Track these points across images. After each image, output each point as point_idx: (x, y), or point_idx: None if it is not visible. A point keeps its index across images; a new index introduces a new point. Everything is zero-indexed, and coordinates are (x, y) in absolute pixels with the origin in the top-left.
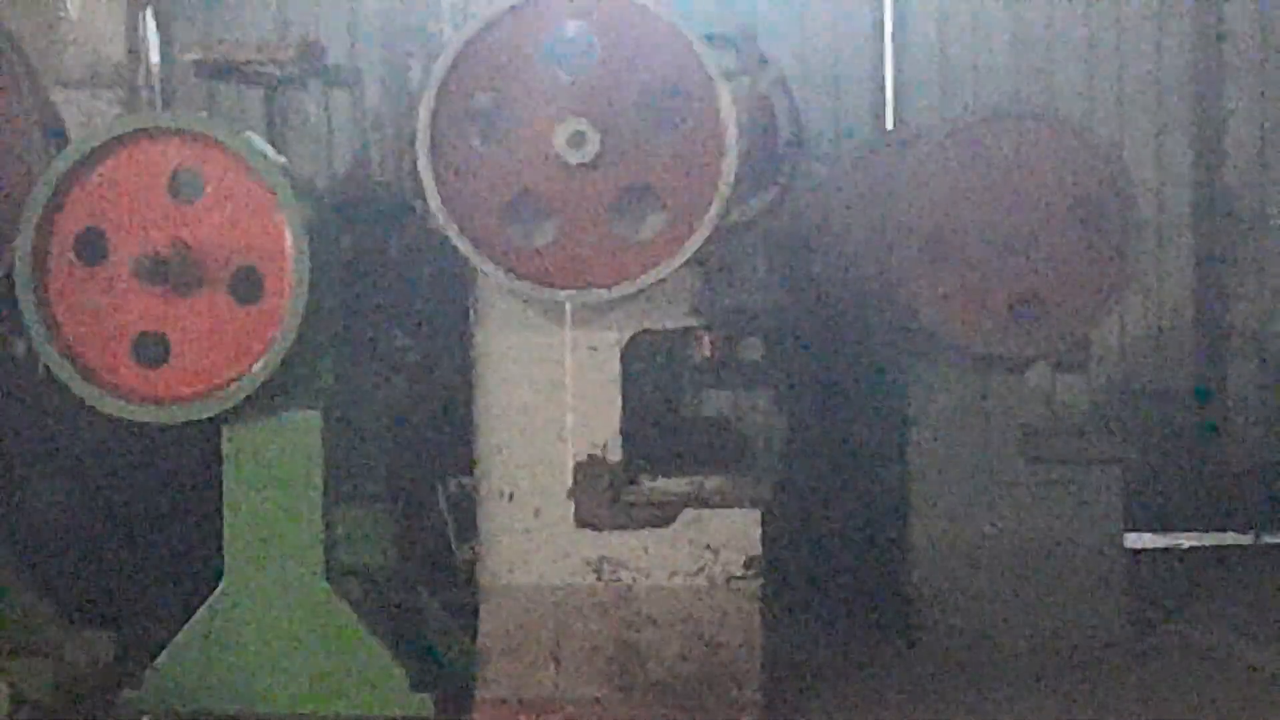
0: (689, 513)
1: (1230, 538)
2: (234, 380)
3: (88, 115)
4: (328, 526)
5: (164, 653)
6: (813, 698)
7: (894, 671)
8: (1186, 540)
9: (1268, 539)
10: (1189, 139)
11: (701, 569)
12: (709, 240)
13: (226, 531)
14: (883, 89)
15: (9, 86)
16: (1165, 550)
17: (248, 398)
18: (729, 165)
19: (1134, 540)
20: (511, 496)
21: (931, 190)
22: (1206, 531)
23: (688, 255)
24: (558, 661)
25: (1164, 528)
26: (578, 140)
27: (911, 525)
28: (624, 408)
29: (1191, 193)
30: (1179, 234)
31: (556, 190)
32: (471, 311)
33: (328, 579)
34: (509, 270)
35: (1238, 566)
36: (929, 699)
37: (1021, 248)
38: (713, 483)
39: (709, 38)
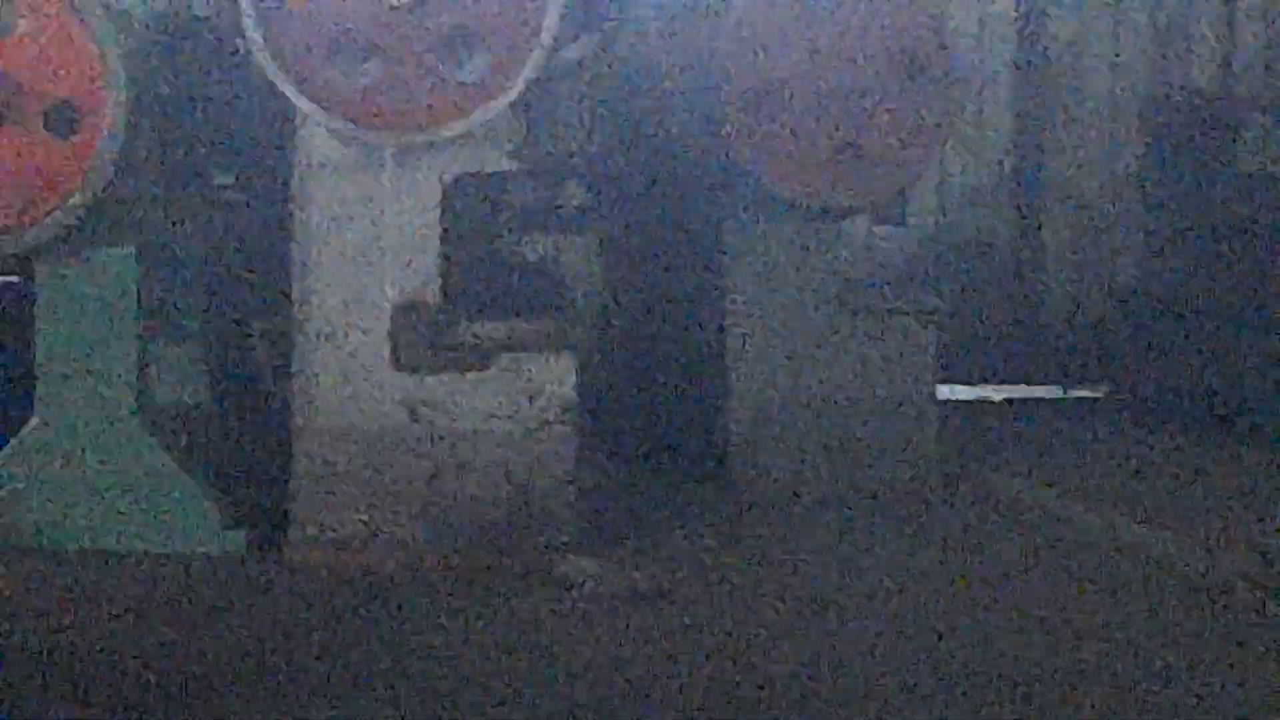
0: (506, 357)
1: (1040, 391)
2: (48, 214)
3: None
4: (141, 363)
5: None
6: (626, 541)
7: (708, 517)
8: (997, 393)
9: (1075, 392)
10: None
11: (516, 413)
12: (532, 84)
13: (38, 366)
14: None
15: None
16: (976, 402)
17: (62, 232)
18: (553, 7)
19: (945, 392)
20: (328, 337)
21: (756, 39)
22: (1017, 384)
23: (510, 98)
24: (371, 502)
25: (975, 380)
26: None
27: (728, 373)
28: (444, 251)
29: (1012, 46)
30: (998, 87)
31: (379, 31)
32: (292, 152)
33: (140, 415)
34: (331, 111)
35: (1046, 419)
36: (742, 543)
37: (843, 98)
38: (530, 327)
39: None
